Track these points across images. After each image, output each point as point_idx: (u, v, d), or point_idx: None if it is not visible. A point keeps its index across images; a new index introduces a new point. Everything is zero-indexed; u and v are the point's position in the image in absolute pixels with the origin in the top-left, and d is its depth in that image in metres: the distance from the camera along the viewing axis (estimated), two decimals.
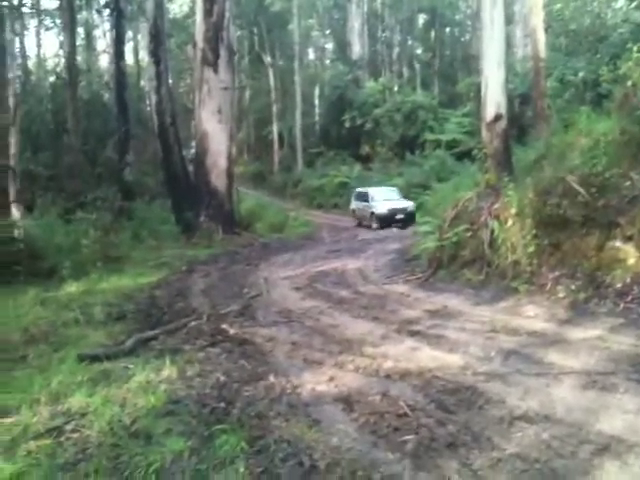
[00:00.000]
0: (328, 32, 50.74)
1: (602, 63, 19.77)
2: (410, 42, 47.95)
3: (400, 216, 21.20)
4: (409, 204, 21.53)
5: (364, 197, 23.26)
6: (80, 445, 3.78)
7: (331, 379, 4.91)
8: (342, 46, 43.98)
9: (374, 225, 21.43)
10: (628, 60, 9.26)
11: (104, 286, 9.89)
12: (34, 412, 4.26)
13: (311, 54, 53.09)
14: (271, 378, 4.94)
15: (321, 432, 3.89)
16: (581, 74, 20.61)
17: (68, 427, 4.03)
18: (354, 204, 24.25)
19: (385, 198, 22.46)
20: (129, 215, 18.05)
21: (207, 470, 3.40)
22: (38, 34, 38.61)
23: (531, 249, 7.93)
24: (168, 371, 5.07)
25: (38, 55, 38.75)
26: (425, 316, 7.13)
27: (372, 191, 23.26)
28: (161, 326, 6.93)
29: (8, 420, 4.18)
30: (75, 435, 3.93)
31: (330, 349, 5.88)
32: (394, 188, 24.18)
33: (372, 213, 21.97)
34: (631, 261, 7.00)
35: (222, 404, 4.38)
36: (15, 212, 16.05)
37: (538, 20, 16.54)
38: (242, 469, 3.38)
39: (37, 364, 5.60)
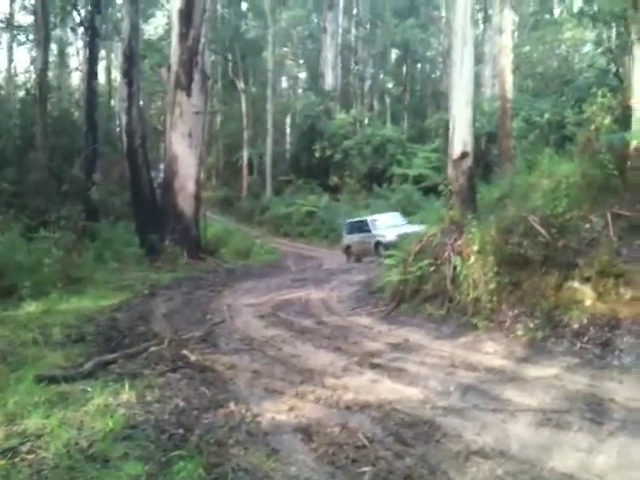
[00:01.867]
0: (302, 62, 51.38)
1: (567, 106, 20.49)
2: (382, 76, 48.76)
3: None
4: (419, 228, 19.19)
5: (362, 227, 21.03)
6: (35, 467, 3.72)
7: (291, 409, 4.92)
8: (315, 76, 44.57)
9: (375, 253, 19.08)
10: (592, 104, 9.59)
11: (64, 307, 9.75)
12: None
13: (284, 82, 53.59)
14: (231, 406, 4.94)
15: (279, 461, 3.90)
16: (546, 116, 21.25)
17: (23, 448, 3.97)
18: (347, 239, 21.85)
19: (390, 225, 20.04)
20: (93, 235, 17.86)
21: None
22: (10, 49, 38.28)
23: (492, 286, 8.07)
24: (127, 395, 5.02)
25: (9, 70, 38.36)
26: (387, 349, 7.19)
27: (372, 219, 21.19)
28: (121, 350, 6.86)
29: None
30: (30, 456, 3.86)
31: (291, 379, 5.89)
32: (397, 213, 21.94)
33: (378, 243, 19.34)
34: (588, 302, 7.18)
35: (181, 430, 4.35)
36: None
37: (507, 61, 17.05)
38: None
39: None
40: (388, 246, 17.88)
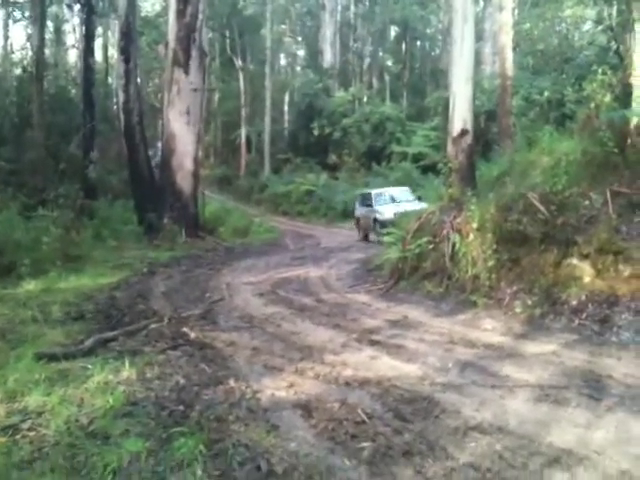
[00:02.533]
0: (300, 39, 50.98)
1: (567, 84, 20.38)
2: (381, 54, 48.43)
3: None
4: (423, 206, 17.28)
5: (367, 201, 19.80)
6: (36, 444, 3.75)
7: (291, 385, 4.94)
8: (313, 54, 44.25)
9: (374, 237, 17.75)
10: (592, 82, 9.54)
11: (63, 285, 9.76)
12: None
13: (282, 60, 53.21)
14: (231, 382, 4.96)
15: (279, 437, 3.92)
16: (546, 94, 21.13)
17: (24, 425, 3.99)
18: (358, 211, 20.64)
19: (393, 200, 18.81)
20: (91, 214, 17.82)
21: (164, 472, 3.41)
22: (6, 26, 37.88)
23: (490, 264, 8.08)
24: (127, 372, 5.05)
25: (5, 47, 38.00)
26: (385, 326, 7.21)
27: (377, 192, 19.94)
28: (121, 327, 6.88)
29: None
30: (31, 434, 3.89)
31: (291, 356, 5.91)
32: (406, 188, 20.26)
33: (375, 220, 18.28)
34: (587, 279, 7.19)
35: (181, 407, 4.37)
36: None
37: (507, 39, 16.92)
38: (200, 472, 3.39)
39: None
40: (385, 224, 16.35)
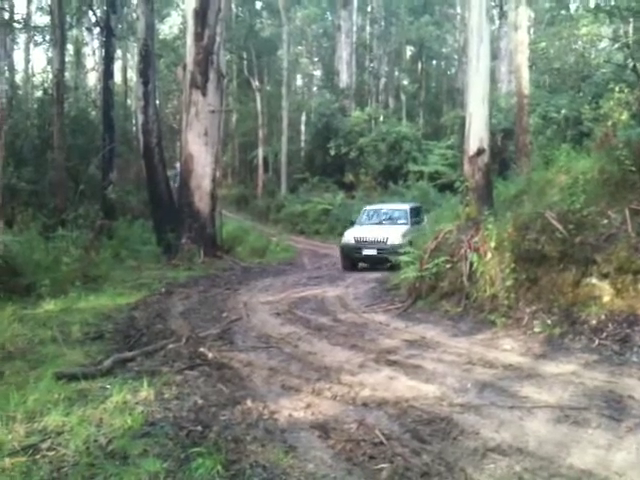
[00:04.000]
0: (316, 60, 51.32)
1: (584, 102, 20.32)
2: (397, 73, 48.60)
3: (369, 252, 15.67)
4: (396, 234, 15.35)
5: (356, 219, 18.19)
6: (56, 464, 3.77)
7: (308, 406, 4.94)
8: (330, 74, 44.49)
9: (341, 260, 16.50)
10: (609, 100, 9.56)
11: (83, 305, 9.83)
12: (9, 429, 4.23)
13: (299, 81, 53.53)
14: (248, 403, 4.96)
15: (297, 458, 3.92)
16: (563, 112, 21.06)
17: (44, 445, 4.01)
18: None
19: (379, 221, 17.31)
20: (110, 234, 17.97)
21: None
22: (27, 50, 38.61)
23: (509, 283, 8.05)
24: (145, 393, 5.07)
25: (26, 70, 38.69)
26: (403, 346, 7.19)
27: (370, 210, 18.37)
28: (139, 347, 6.92)
29: None
30: (51, 453, 3.91)
31: (308, 376, 5.91)
32: (406, 206, 17.93)
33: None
34: (606, 298, 7.14)
35: (199, 427, 4.38)
36: None
37: (523, 57, 16.93)
38: None
39: (13, 381, 5.54)
40: (341, 249, 16.32)
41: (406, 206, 17.99)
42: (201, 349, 6.76)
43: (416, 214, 17.37)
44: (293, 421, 4.61)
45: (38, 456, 3.89)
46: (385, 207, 18.82)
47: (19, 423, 4.34)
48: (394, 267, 13.02)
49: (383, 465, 3.80)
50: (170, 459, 3.82)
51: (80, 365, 6.14)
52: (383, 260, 14.59)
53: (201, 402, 4.97)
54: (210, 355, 6.56)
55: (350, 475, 3.69)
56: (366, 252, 15.80)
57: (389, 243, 15.29)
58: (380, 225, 16.85)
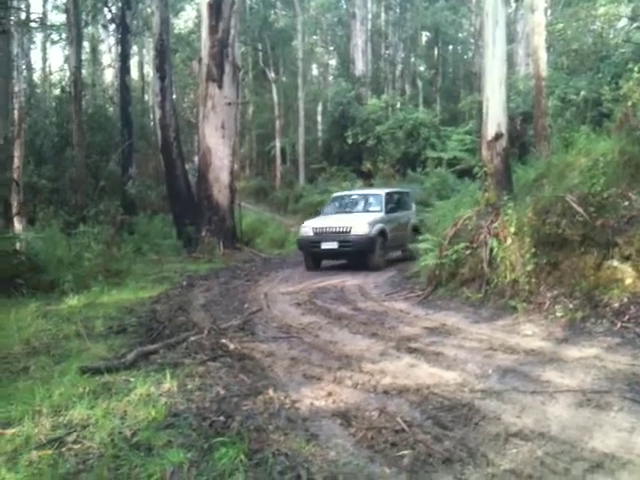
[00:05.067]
0: (332, 49, 51.12)
1: (603, 82, 20.03)
2: (413, 60, 48.29)
3: (329, 245, 13.43)
4: (361, 223, 13.41)
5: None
6: (81, 456, 3.83)
7: (329, 394, 4.96)
8: (345, 63, 44.29)
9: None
10: (629, 80, 9.41)
11: (105, 300, 9.95)
12: (36, 423, 4.30)
13: (315, 70, 53.40)
14: (270, 392, 4.99)
15: (319, 446, 3.94)
16: (582, 93, 20.79)
17: (69, 438, 4.08)
18: None
19: (341, 210, 15.13)
20: (131, 229, 18.18)
21: None
22: (44, 48, 38.95)
23: (529, 268, 7.99)
24: (168, 384, 5.12)
25: (44, 68, 39.08)
26: (424, 333, 7.19)
27: (337, 196, 16.27)
28: (162, 340, 6.97)
29: (10, 431, 4.23)
30: (76, 446, 3.97)
31: (329, 365, 5.93)
32: (381, 191, 15.50)
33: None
34: (628, 281, 7.07)
35: (222, 417, 4.42)
36: (17, 225, 16.20)
37: (540, 39, 16.71)
38: None
39: (39, 376, 5.63)
40: (299, 242, 14.43)
41: (381, 191, 15.53)
42: (223, 340, 6.81)
43: (397, 200, 15.35)
44: (315, 410, 4.63)
45: (64, 449, 3.95)
46: (357, 193, 16.73)
47: (45, 417, 4.41)
48: (366, 264, 13.23)
49: (405, 452, 3.81)
50: (194, 449, 3.86)
51: (104, 359, 6.21)
52: (348, 255, 13.69)
53: (223, 392, 5.01)
54: (232, 346, 6.61)
55: (372, 462, 3.71)
56: (325, 246, 13.44)
57: (352, 234, 13.22)
58: (346, 214, 14.56)
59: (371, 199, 15.13)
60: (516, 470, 3.51)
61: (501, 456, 3.71)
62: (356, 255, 13.50)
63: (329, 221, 14.02)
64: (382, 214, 14.24)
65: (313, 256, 14.11)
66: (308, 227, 14.11)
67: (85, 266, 11.65)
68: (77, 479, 3.54)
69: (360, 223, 13.43)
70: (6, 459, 3.78)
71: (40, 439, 4.06)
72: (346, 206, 15.30)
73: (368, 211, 14.52)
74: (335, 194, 16.56)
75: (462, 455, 3.75)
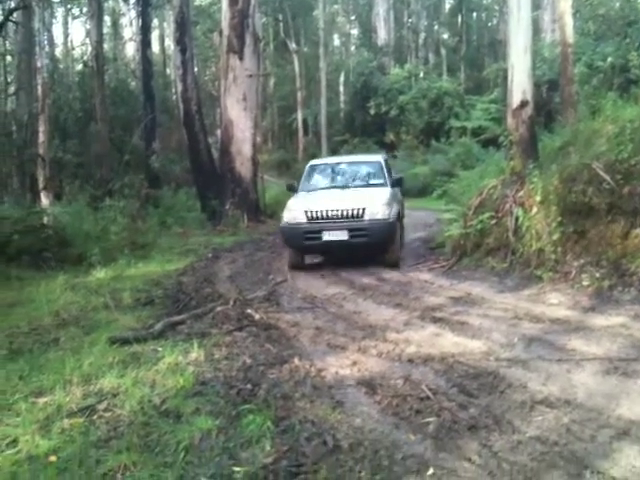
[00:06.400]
0: (353, 18, 50.50)
1: (631, 48, 19.58)
2: (436, 27, 47.58)
3: (335, 236, 9.57)
4: (378, 202, 9.78)
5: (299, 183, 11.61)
6: (112, 424, 3.93)
7: (354, 363, 5.00)
8: (367, 32, 43.77)
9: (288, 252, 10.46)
10: None
11: (132, 272, 10.07)
12: (67, 392, 4.41)
13: (336, 40, 52.85)
14: (296, 361, 5.05)
15: (344, 414, 3.98)
16: (610, 59, 20.34)
17: (100, 407, 4.18)
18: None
19: (332, 184, 11.24)
20: (156, 202, 18.30)
21: (235, 448, 3.52)
22: (66, 23, 38.98)
23: (556, 237, 7.91)
24: (196, 354, 5.20)
25: (65, 44, 39.14)
26: (448, 303, 7.18)
27: (315, 165, 12.09)
28: (188, 311, 7.07)
29: (42, 400, 4.34)
30: (107, 414, 4.07)
31: (353, 334, 5.96)
32: (379, 158, 12.05)
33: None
34: None
35: (248, 386, 4.49)
36: (44, 199, 16.42)
37: (566, 5, 16.31)
38: (268, 447, 3.49)
39: (69, 347, 5.76)
40: (284, 231, 10.27)
41: (378, 157, 12.16)
42: (248, 311, 6.88)
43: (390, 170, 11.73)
44: (340, 378, 4.68)
45: (95, 417, 4.05)
46: (344, 160, 12.92)
47: (76, 386, 4.51)
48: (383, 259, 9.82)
49: (430, 419, 3.84)
50: (221, 416, 3.93)
51: (132, 329, 6.31)
52: (361, 248, 9.84)
53: (250, 361, 5.07)
54: (257, 316, 6.67)
55: (397, 429, 3.74)
56: (329, 236, 9.60)
57: (368, 218, 9.60)
58: (344, 190, 10.76)
59: (368, 168, 11.59)
60: (542, 437, 3.52)
61: (527, 423, 3.72)
62: (373, 248, 9.86)
63: (325, 201, 10.04)
64: (389, 189, 10.62)
65: (305, 251, 10.23)
66: (296, 210, 10.05)
67: (111, 239, 11.79)
68: (108, 446, 3.62)
69: (376, 203, 9.79)
70: (39, 427, 3.88)
71: (71, 407, 4.16)
72: (335, 178, 11.48)
73: (369, 185, 10.90)
74: (313, 162, 12.43)
75: (487, 422, 3.76)
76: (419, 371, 4.75)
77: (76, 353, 5.38)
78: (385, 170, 11.27)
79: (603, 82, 19.36)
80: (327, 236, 9.63)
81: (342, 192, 10.64)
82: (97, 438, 3.73)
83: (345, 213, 9.68)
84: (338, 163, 12.38)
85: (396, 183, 11.11)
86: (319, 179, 11.58)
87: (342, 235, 9.57)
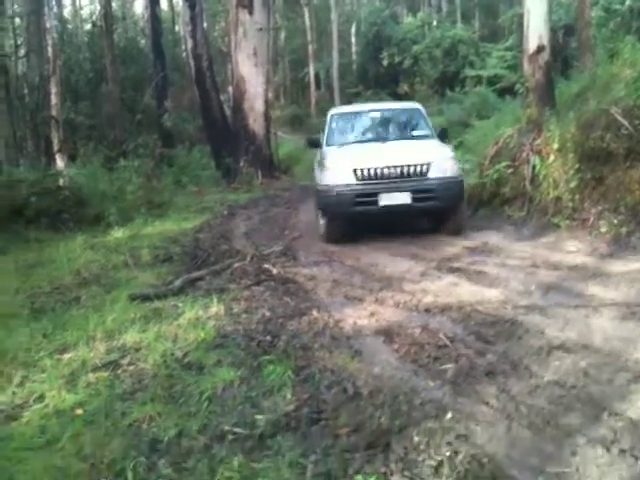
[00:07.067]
0: None
1: None
2: None
3: (396, 199, 7.89)
4: (444, 155, 8.36)
5: (321, 131, 10.20)
6: (136, 377, 4.02)
7: (372, 314, 5.04)
8: None
9: (321, 227, 8.61)
10: None
11: (149, 231, 10.12)
12: (91, 348, 4.50)
13: None
14: (314, 313, 5.10)
15: (363, 362, 4.04)
16: (627, 2, 19.74)
17: (124, 361, 4.27)
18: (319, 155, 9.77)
19: (368, 136, 9.60)
20: (170, 161, 18.30)
21: (257, 397, 3.59)
22: None
23: (573, 184, 7.83)
24: (216, 308, 5.27)
25: (74, 4, 38.72)
26: (465, 253, 7.18)
27: (336, 114, 10.21)
28: (207, 267, 7.12)
29: (67, 355, 4.43)
30: (131, 368, 4.16)
31: (370, 286, 6.00)
32: (416, 105, 10.67)
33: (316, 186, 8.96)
34: None
35: (268, 337, 4.56)
36: (59, 162, 16.46)
37: None
38: (289, 396, 3.56)
39: (91, 304, 5.83)
40: (324, 198, 8.34)
41: (416, 104, 10.78)
42: (266, 266, 6.92)
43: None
44: (358, 328, 4.73)
45: (119, 371, 4.14)
46: (376, 107, 11.10)
47: (99, 342, 4.60)
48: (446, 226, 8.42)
49: (448, 365, 3.88)
50: (243, 367, 4.01)
51: (152, 286, 6.38)
52: (426, 213, 8.52)
53: (269, 314, 5.13)
54: (275, 271, 6.71)
55: (416, 376, 3.79)
56: (387, 200, 7.90)
57: (434, 176, 8.04)
58: (385, 143, 9.11)
59: (406, 117, 10.16)
60: (559, 381, 3.55)
61: (544, 368, 3.75)
62: (440, 214, 8.37)
63: (376, 156, 8.33)
64: (438, 142, 9.17)
65: (354, 220, 8.34)
66: (340, 168, 8.24)
67: (128, 199, 11.84)
68: (133, 398, 3.72)
69: (443, 156, 8.33)
70: (65, 382, 3.97)
71: (96, 362, 4.25)
72: (369, 130, 9.85)
73: (413, 137, 9.46)
74: (336, 110, 10.77)
75: (505, 368, 3.80)
76: (436, 320, 4.78)
77: (98, 310, 5.46)
78: (426, 118, 9.93)
79: (621, 25, 18.82)
80: (385, 199, 7.90)
81: (385, 145, 8.99)
82: (122, 391, 3.82)
83: (406, 170, 7.99)
84: (368, 111, 10.55)
85: (442, 134, 9.49)
86: (348, 131, 9.89)
87: (404, 198, 7.90)
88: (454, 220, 8.36)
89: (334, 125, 9.84)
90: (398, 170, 7.98)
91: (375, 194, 7.92)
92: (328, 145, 9.41)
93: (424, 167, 7.99)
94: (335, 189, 8.08)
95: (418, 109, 10.17)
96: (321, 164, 8.86)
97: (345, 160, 8.42)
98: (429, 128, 9.59)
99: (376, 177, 8.02)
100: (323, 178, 8.47)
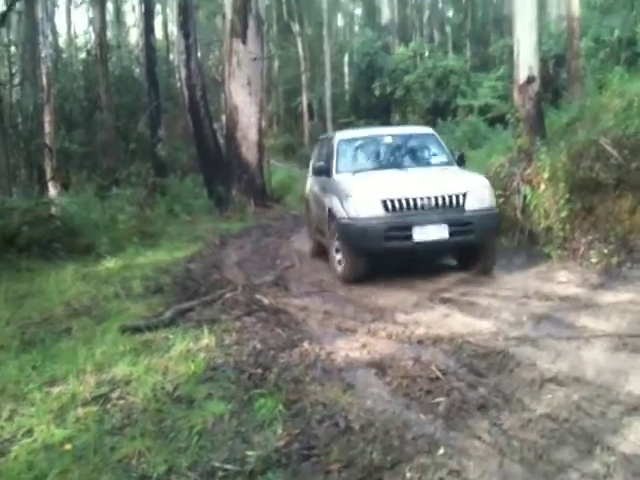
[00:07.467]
0: None
1: (638, 21, 19.29)
2: (440, 5, 47.04)
3: (431, 234, 7.10)
4: (480, 185, 7.63)
5: (325, 159, 9.26)
6: (126, 411, 3.96)
7: (364, 346, 5.02)
8: (371, 12, 43.43)
9: (338, 263, 7.86)
10: None
11: (141, 261, 10.07)
12: (81, 381, 4.43)
13: (340, 21, 52.45)
14: (305, 345, 5.07)
15: (355, 395, 4.01)
16: (616, 33, 20.07)
17: (113, 395, 4.21)
18: (309, 182, 10.53)
19: (384, 163, 8.86)
20: (163, 190, 18.29)
21: (247, 431, 3.55)
22: (68, 12, 38.82)
23: (564, 214, 7.89)
24: (207, 340, 5.23)
25: (69, 32, 39.02)
26: (457, 283, 7.19)
27: (343, 139, 9.31)
28: (198, 298, 7.08)
29: (57, 388, 4.37)
30: (120, 402, 4.11)
31: (362, 317, 5.99)
32: (429, 130, 10.18)
33: (332, 217, 7.98)
34: None
35: (259, 370, 4.52)
36: (52, 190, 16.45)
37: None
38: (280, 430, 3.52)
39: (81, 336, 5.77)
40: (346, 231, 7.55)
41: (429, 129, 10.40)
42: (257, 296, 6.90)
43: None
44: (350, 361, 4.70)
45: (109, 405, 4.09)
46: (387, 132, 10.13)
47: (89, 375, 4.54)
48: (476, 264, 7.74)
49: (440, 399, 3.86)
50: (234, 401, 3.97)
51: (143, 318, 6.32)
52: (462, 248, 7.81)
53: (260, 346, 5.10)
54: (266, 301, 6.69)
55: (408, 409, 3.77)
56: (422, 235, 7.12)
57: (471, 208, 7.35)
58: (405, 170, 8.37)
59: (421, 143, 9.44)
60: (552, 414, 3.54)
61: (537, 401, 3.74)
62: (475, 249, 7.65)
63: (405, 185, 7.63)
64: (462, 169, 8.68)
65: (384, 256, 7.62)
66: (366, 198, 7.39)
67: (120, 228, 11.80)
68: (122, 433, 3.67)
69: (479, 185, 7.63)
70: (54, 416, 3.91)
71: (85, 396, 4.19)
72: (383, 156, 9.10)
73: (432, 164, 8.90)
74: (343, 135, 9.70)
75: (497, 401, 3.79)
76: (429, 352, 4.77)
77: (88, 342, 5.41)
78: (443, 144, 9.30)
79: (610, 56, 19.14)
80: (419, 234, 7.10)
81: (407, 173, 8.20)
82: (111, 426, 3.77)
83: (441, 201, 7.25)
84: (380, 136, 9.65)
85: (460, 160, 8.83)
86: (360, 157, 9.13)
87: (441, 232, 7.13)
88: (484, 257, 7.64)
89: (342, 151, 8.98)
90: (432, 201, 7.24)
91: (409, 228, 7.13)
92: (338, 172, 8.56)
93: (460, 197, 7.29)
94: (361, 222, 7.27)
95: (433, 134, 9.60)
96: (338, 193, 7.93)
97: (370, 189, 7.57)
98: (447, 154, 8.99)
99: (409, 208, 7.24)
100: (346, 208, 7.55)
